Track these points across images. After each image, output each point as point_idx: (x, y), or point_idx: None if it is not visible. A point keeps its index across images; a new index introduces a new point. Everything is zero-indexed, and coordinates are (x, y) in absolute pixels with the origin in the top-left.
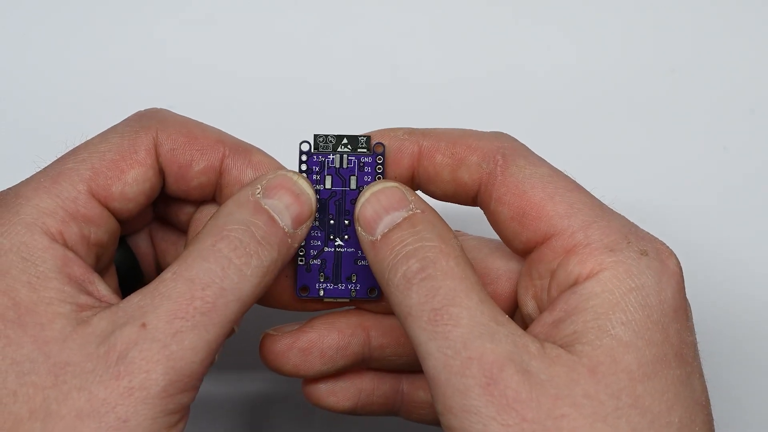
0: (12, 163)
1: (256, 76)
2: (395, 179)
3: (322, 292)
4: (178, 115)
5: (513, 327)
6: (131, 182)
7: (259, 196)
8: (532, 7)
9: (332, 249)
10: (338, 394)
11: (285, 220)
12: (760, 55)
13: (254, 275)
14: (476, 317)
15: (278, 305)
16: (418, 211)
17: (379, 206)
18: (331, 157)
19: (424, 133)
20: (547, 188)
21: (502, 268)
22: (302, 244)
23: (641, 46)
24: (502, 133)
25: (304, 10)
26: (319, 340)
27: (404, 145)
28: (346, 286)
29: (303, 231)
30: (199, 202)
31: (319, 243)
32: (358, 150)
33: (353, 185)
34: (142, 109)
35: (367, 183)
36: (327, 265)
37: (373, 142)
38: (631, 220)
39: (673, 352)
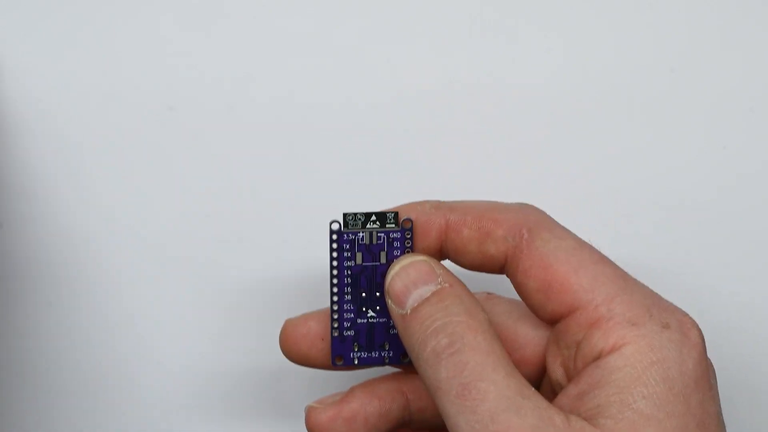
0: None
1: (257, 75)
2: (423, 252)
3: (356, 361)
4: None
5: (539, 400)
6: None
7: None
8: (532, 8)
9: (365, 320)
10: None
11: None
12: (759, 55)
13: None
14: (503, 391)
15: (318, 367)
16: (446, 285)
17: (408, 280)
18: (360, 234)
19: (451, 207)
20: (572, 261)
21: (531, 334)
22: (335, 316)
23: (641, 45)
24: (527, 205)
25: (303, 13)
26: (362, 409)
27: (431, 219)
28: (379, 353)
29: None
30: None
31: (352, 315)
32: (387, 226)
33: (383, 260)
34: None
35: (397, 257)
36: (360, 336)
37: (401, 217)
38: (654, 291)
39: (695, 422)
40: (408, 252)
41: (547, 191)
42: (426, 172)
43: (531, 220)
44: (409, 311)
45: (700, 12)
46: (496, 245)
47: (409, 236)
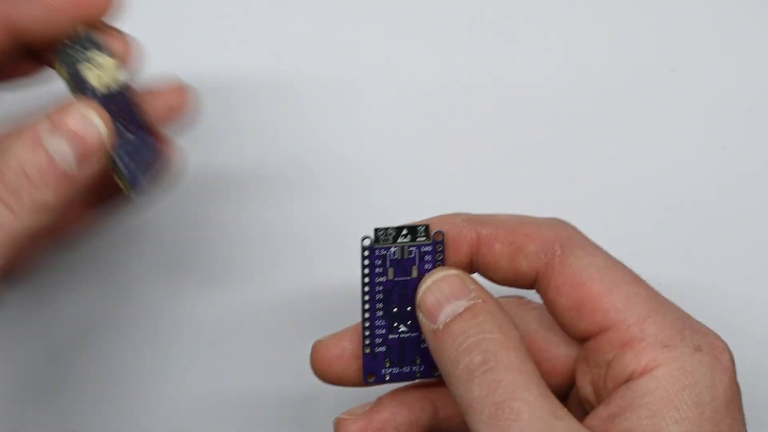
0: None
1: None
2: (454, 266)
3: (388, 377)
4: None
5: (571, 421)
6: None
7: (45, 130)
8: (532, 8)
9: (396, 335)
10: None
11: (67, 159)
12: (759, 55)
13: (27, 214)
14: (536, 411)
15: (346, 384)
16: (479, 300)
17: (440, 295)
18: (392, 249)
19: (483, 220)
20: (605, 280)
21: (562, 345)
22: (367, 333)
23: (641, 46)
24: (559, 221)
25: (305, 7)
26: (392, 419)
27: (462, 233)
28: (411, 369)
29: (93, 166)
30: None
31: (384, 331)
32: (418, 239)
33: (414, 274)
34: None
35: (428, 270)
36: (392, 352)
37: (432, 230)
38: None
39: None
40: (439, 265)
41: (547, 191)
42: (425, 172)
43: (564, 236)
44: (441, 326)
45: (700, 12)
46: (528, 261)
47: (440, 249)
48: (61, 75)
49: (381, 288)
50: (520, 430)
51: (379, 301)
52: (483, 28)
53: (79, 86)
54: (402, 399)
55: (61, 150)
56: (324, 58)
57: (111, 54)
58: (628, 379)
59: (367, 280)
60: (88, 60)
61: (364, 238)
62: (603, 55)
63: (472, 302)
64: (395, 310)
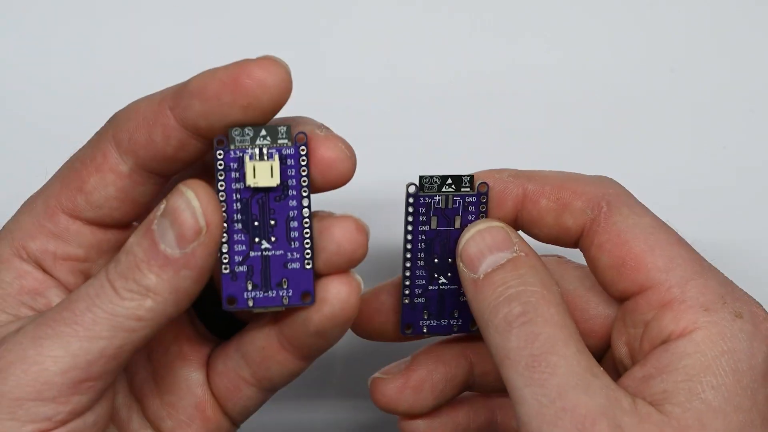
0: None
1: None
2: (501, 220)
3: (425, 329)
4: (134, 101)
5: (607, 380)
6: (92, 190)
7: (158, 213)
8: (532, 8)
9: (436, 287)
10: (436, 430)
11: (168, 241)
12: (759, 55)
13: (130, 297)
14: (573, 367)
15: (382, 339)
16: (522, 254)
17: (483, 245)
18: (437, 198)
19: (529, 176)
20: (649, 240)
21: (601, 306)
22: (407, 283)
23: (641, 46)
24: (606, 178)
25: (306, 9)
26: (429, 377)
27: (508, 188)
28: (449, 322)
29: (198, 250)
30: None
31: (424, 282)
32: (462, 189)
33: (457, 224)
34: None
35: (471, 222)
36: (431, 303)
37: (477, 181)
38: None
39: (760, 418)
40: (482, 218)
41: None
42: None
43: (611, 194)
44: (482, 276)
45: (700, 12)
46: (574, 218)
47: (484, 201)
48: (215, 159)
49: (423, 237)
50: (556, 384)
51: (421, 250)
52: (483, 28)
53: (226, 177)
54: (438, 355)
55: (164, 231)
56: (323, 57)
57: (283, 154)
58: (666, 341)
59: (410, 228)
60: (251, 156)
61: (409, 185)
62: (603, 54)
63: (515, 254)
64: (436, 260)
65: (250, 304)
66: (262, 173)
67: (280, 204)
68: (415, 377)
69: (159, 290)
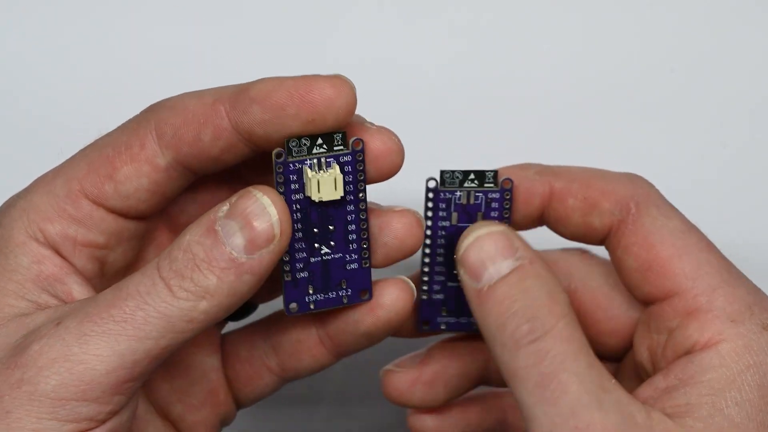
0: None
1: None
2: (525, 219)
3: (443, 326)
4: (178, 95)
5: (619, 393)
6: (123, 179)
7: (221, 214)
8: (532, 8)
9: (456, 284)
10: (445, 429)
11: (234, 245)
12: (759, 55)
13: (186, 297)
14: (585, 384)
15: (398, 335)
16: (526, 261)
17: (484, 253)
18: (458, 193)
19: (556, 172)
20: (677, 244)
21: (625, 305)
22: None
23: (641, 45)
24: (635, 176)
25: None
26: (443, 372)
27: (535, 186)
28: (468, 320)
29: (266, 257)
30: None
31: (443, 278)
32: (485, 185)
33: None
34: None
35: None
36: (450, 300)
37: (501, 177)
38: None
39: None
40: (507, 215)
41: None
42: (423, 172)
43: (640, 194)
44: (485, 288)
45: (700, 12)
46: (602, 217)
47: (508, 197)
48: (275, 172)
49: (443, 233)
50: (568, 403)
51: (440, 246)
52: (483, 28)
53: (286, 189)
54: (453, 350)
55: (231, 233)
56: (324, 56)
57: (344, 162)
58: (690, 351)
59: (429, 223)
60: (310, 166)
61: (429, 179)
62: (603, 54)
63: (518, 263)
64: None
65: (312, 307)
66: (327, 187)
67: (339, 210)
68: (429, 372)
69: (217, 292)
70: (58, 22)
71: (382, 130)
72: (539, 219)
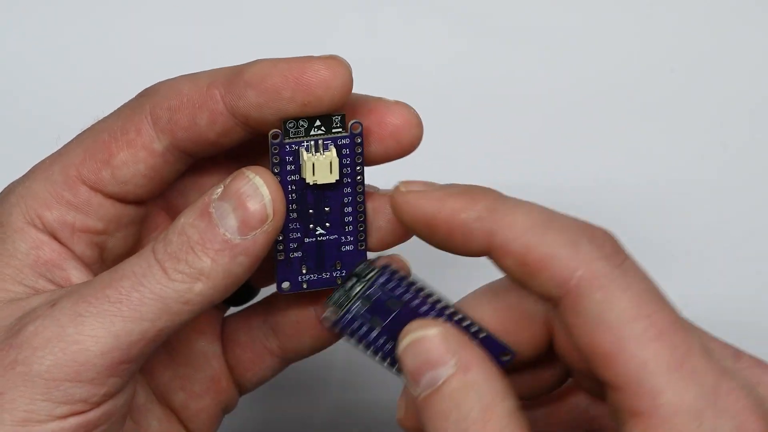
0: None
1: None
2: (466, 251)
3: (305, 285)
4: (173, 79)
5: None
6: (120, 165)
7: (215, 196)
8: (532, 8)
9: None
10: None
11: (228, 226)
12: (759, 55)
13: (180, 279)
14: None
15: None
16: (460, 370)
17: (418, 360)
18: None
19: (498, 222)
20: (622, 335)
21: None
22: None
23: (641, 45)
24: (592, 231)
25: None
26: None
27: (474, 233)
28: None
29: (260, 238)
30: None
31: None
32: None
33: None
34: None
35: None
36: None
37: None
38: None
39: None
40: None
41: (546, 191)
42: (423, 173)
43: (583, 269)
44: (422, 396)
45: (700, 12)
46: (541, 288)
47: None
48: (271, 153)
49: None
50: None
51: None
52: (483, 28)
53: (282, 169)
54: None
55: (224, 215)
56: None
57: (341, 145)
58: None
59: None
60: (307, 148)
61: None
62: (603, 54)
63: (452, 370)
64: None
65: (305, 287)
66: (321, 170)
67: (335, 192)
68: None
69: (212, 274)
70: (58, 22)
71: (400, 103)
72: (482, 254)
